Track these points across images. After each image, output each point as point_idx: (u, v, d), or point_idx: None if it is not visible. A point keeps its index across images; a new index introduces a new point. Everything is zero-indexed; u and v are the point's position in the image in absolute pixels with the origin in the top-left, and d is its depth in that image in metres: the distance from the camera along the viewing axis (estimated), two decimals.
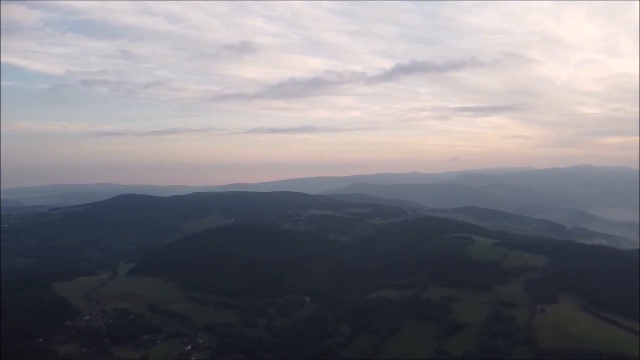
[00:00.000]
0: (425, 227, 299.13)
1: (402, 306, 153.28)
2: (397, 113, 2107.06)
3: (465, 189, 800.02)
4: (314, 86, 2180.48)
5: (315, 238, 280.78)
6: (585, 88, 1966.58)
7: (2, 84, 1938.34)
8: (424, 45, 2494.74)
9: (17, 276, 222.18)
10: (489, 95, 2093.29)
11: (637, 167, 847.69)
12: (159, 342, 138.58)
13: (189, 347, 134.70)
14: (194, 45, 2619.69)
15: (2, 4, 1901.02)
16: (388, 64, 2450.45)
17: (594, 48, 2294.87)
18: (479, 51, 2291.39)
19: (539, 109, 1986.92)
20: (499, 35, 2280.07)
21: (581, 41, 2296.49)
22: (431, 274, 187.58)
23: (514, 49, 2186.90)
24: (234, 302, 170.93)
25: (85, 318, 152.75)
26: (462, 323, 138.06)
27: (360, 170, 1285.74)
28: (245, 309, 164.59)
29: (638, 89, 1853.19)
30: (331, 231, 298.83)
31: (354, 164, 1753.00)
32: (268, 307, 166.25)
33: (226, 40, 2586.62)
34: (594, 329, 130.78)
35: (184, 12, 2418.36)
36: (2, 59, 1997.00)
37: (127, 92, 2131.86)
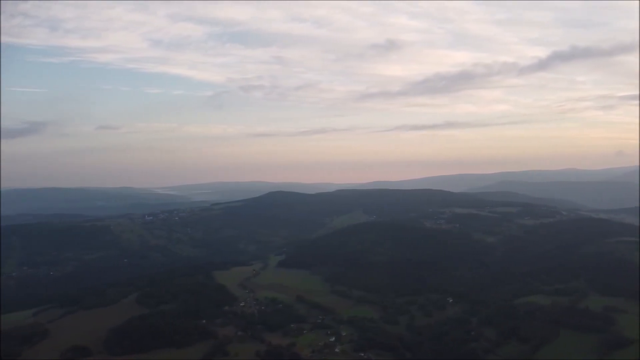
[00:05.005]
0: (584, 228, 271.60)
1: (555, 314, 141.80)
2: (552, 105, 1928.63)
3: (633, 186, 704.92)
4: (460, 80, 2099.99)
5: (458, 237, 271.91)
6: None
7: (173, 92, 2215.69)
8: (585, 29, 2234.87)
9: (185, 263, 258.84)
10: None
11: None
12: (305, 331, 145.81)
13: (333, 338, 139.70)
14: (341, 47, 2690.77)
15: (175, 23, 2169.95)
16: (543, 52, 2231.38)
17: None
18: None
19: None
20: None
21: None
22: (591, 280, 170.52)
23: None
24: (376, 298, 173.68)
25: (241, 304, 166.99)
26: (630, 337, 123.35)
27: (507, 167, 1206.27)
28: (386, 306, 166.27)
29: None
30: (475, 230, 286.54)
31: (501, 161, 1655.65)
32: (409, 305, 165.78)
33: (372, 40, 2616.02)
34: None
35: (330, 16, 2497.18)
36: (175, 70, 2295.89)
37: (279, 96, 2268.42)
